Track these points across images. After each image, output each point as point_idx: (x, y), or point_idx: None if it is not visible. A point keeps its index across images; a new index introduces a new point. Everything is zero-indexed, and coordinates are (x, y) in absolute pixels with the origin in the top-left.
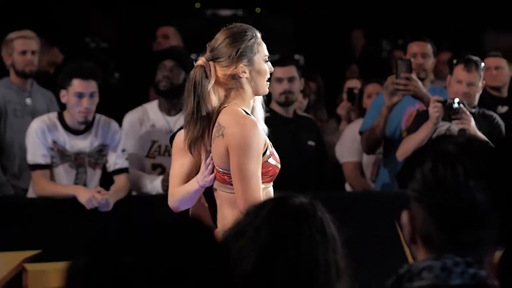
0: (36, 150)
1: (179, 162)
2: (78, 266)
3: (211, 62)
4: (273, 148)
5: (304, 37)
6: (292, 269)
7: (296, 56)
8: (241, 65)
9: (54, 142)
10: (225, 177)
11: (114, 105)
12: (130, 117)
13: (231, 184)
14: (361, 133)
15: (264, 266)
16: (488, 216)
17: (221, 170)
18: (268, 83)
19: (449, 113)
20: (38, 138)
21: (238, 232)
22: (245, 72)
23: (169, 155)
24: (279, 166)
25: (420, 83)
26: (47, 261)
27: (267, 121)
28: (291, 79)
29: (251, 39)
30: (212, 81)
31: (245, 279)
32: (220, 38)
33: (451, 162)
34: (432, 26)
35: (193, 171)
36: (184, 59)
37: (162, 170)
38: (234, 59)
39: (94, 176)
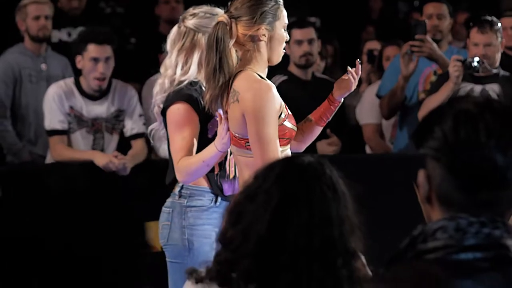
0: (53, 116)
1: (180, 136)
2: None
3: (232, 20)
4: (289, 111)
5: (321, 0)
6: (307, 228)
7: (312, 19)
8: (263, 27)
9: (71, 107)
10: (242, 141)
11: (130, 71)
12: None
13: (247, 148)
14: (379, 96)
15: (278, 227)
16: (509, 177)
17: (237, 135)
18: (284, 51)
19: (469, 71)
20: (55, 104)
21: (249, 196)
22: (265, 36)
23: None
24: (296, 129)
25: (435, 44)
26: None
27: (285, 83)
28: (310, 41)
29: (274, 4)
30: (234, 39)
31: (260, 242)
32: None
33: (472, 121)
34: None
35: (194, 143)
36: None
37: None
38: (256, 20)
39: (112, 141)
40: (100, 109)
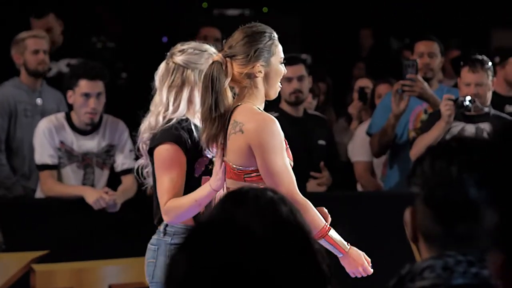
0: (43, 150)
1: (168, 177)
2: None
3: (228, 59)
4: (287, 146)
5: (311, 37)
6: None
7: (304, 56)
8: (258, 64)
9: (62, 142)
10: (241, 174)
11: (121, 105)
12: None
13: (245, 181)
14: (369, 134)
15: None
16: (483, 211)
17: (235, 166)
18: (280, 86)
19: (461, 110)
20: (45, 138)
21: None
22: (261, 72)
23: None
24: (292, 163)
25: (426, 84)
26: (54, 261)
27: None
28: (300, 78)
29: (269, 40)
30: (229, 78)
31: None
32: (238, 36)
33: (447, 156)
34: (441, 24)
35: (182, 185)
36: None
37: None
38: (252, 58)
39: (102, 176)
40: (90, 144)
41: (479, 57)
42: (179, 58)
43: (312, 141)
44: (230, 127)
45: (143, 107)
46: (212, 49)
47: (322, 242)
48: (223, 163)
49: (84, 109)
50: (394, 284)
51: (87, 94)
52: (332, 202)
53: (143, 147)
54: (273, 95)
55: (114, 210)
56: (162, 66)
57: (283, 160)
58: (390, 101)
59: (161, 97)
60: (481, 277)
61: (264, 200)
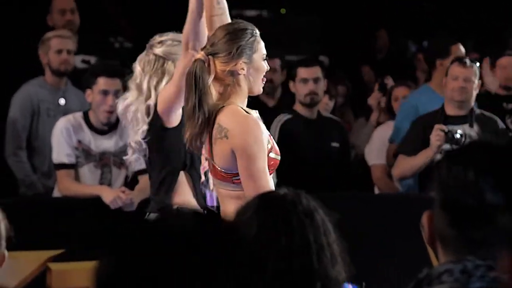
0: (61, 149)
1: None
2: (106, 267)
3: (210, 57)
4: (273, 140)
5: (329, 38)
6: (285, 254)
7: (321, 57)
8: (241, 62)
9: (79, 141)
10: (228, 176)
11: None
12: None
13: (234, 183)
14: (392, 141)
15: (257, 256)
16: (499, 215)
17: (223, 170)
18: (264, 82)
19: (451, 143)
20: (63, 138)
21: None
22: (243, 69)
23: None
24: (279, 157)
25: None
26: (70, 260)
27: (290, 122)
28: (316, 80)
29: (251, 37)
30: (212, 76)
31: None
32: (220, 34)
33: (464, 161)
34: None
35: None
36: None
37: None
38: (234, 56)
39: (119, 176)
40: (108, 144)
41: (470, 58)
42: (159, 50)
43: (325, 143)
44: (215, 131)
45: None
46: None
47: None
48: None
49: (102, 107)
50: None
51: (105, 91)
52: (348, 203)
53: (139, 137)
54: (257, 91)
55: (131, 209)
56: (141, 57)
57: (263, 164)
58: (411, 106)
59: (142, 87)
60: (499, 282)
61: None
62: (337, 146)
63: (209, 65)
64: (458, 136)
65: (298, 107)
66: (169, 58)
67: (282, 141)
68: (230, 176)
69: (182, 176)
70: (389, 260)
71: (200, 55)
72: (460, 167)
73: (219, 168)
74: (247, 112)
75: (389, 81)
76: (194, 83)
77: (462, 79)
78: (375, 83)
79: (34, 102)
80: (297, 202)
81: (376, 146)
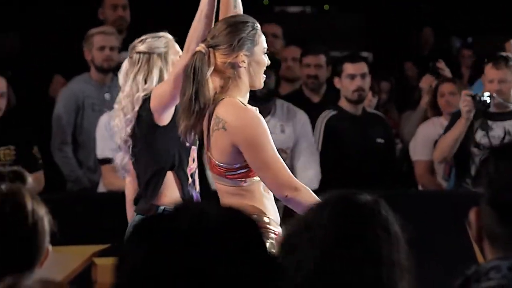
0: (104, 145)
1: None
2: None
3: (211, 49)
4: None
5: (372, 34)
6: (357, 266)
7: (365, 54)
8: (241, 54)
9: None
10: (222, 170)
11: None
12: None
13: (227, 178)
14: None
15: (329, 262)
16: None
17: (219, 163)
18: (264, 76)
19: (480, 106)
20: (107, 132)
21: (304, 228)
22: (244, 62)
23: None
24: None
25: None
26: (116, 255)
27: (335, 118)
28: (363, 76)
29: (252, 29)
30: (212, 68)
31: (310, 275)
32: (221, 27)
33: (510, 156)
34: (502, 23)
35: None
36: (276, 62)
37: None
38: (235, 48)
39: None
40: None
41: (504, 54)
42: (142, 47)
43: (370, 139)
44: (213, 122)
45: None
46: (168, 35)
47: None
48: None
49: None
50: (460, 284)
51: None
52: (391, 200)
53: (126, 132)
54: (258, 85)
55: None
56: (125, 63)
57: (272, 150)
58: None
59: (127, 87)
60: None
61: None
62: (382, 142)
63: (209, 57)
64: (485, 98)
65: (343, 103)
66: (153, 51)
67: (327, 137)
68: (224, 171)
69: (170, 176)
70: (433, 257)
71: (201, 47)
72: (508, 164)
73: (215, 162)
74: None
75: (441, 65)
76: (193, 74)
77: (497, 81)
78: (419, 79)
79: (79, 98)
80: (376, 213)
81: (420, 142)
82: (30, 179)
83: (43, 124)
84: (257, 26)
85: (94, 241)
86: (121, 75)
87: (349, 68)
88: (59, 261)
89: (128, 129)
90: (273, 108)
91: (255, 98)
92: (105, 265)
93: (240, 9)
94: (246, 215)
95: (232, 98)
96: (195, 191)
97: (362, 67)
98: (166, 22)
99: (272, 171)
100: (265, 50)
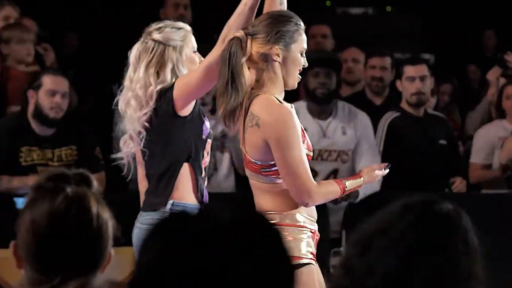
0: None
1: None
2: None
3: (249, 37)
4: (306, 135)
5: (434, 37)
6: (434, 277)
7: (426, 56)
8: (277, 47)
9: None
10: (257, 167)
11: None
12: None
13: (262, 174)
14: None
15: (406, 269)
16: None
17: (253, 160)
18: (300, 77)
19: None
20: None
21: (381, 231)
22: (278, 56)
23: (322, 159)
24: (311, 153)
25: None
26: None
27: (397, 120)
28: (422, 78)
29: (293, 26)
30: (246, 56)
31: (385, 279)
32: (264, 17)
33: None
34: None
35: None
36: (337, 63)
37: (314, 174)
38: (271, 39)
39: (223, 160)
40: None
41: None
42: (158, 36)
43: (432, 140)
44: (247, 118)
45: None
46: (187, 27)
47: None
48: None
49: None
50: None
51: None
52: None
53: (142, 125)
54: (292, 85)
55: None
56: (138, 44)
57: (299, 152)
58: None
59: (139, 74)
60: None
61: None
62: (445, 143)
63: (246, 44)
64: None
65: (404, 105)
66: (169, 43)
67: (389, 138)
68: (259, 168)
69: (185, 169)
70: (498, 260)
71: (239, 33)
72: None
73: (249, 158)
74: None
75: (510, 57)
76: (228, 59)
77: None
78: (481, 82)
79: None
80: (457, 224)
81: (478, 144)
82: (95, 182)
83: (105, 124)
84: (300, 24)
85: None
86: (132, 55)
87: (409, 70)
88: (120, 262)
89: (144, 121)
90: (334, 109)
91: (316, 99)
92: None
93: (285, 5)
94: (263, 217)
95: (267, 94)
96: (205, 186)
97: (422, 70)
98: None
99: (296, 173)
100: (304, 50)
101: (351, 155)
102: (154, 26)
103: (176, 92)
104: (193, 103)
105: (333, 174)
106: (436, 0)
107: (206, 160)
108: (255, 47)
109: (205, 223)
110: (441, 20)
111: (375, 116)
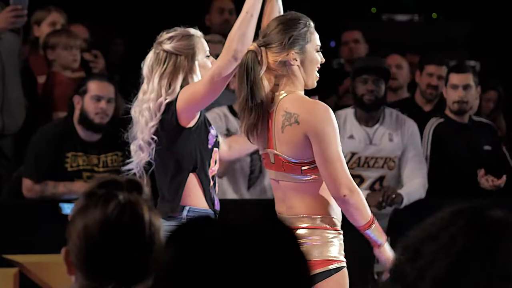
0: None
1: None
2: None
3: (262, 48)
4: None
5: (480, 43)
6: (483, 283)
7: (472, 63)
8: (293, 52)
9: (228, 130)
10: (296, 166)
11: None
12: None
13: (302, 172)
14: None
15: (457, 275)
16: None
17: (292, 160)
18: (318, 75)
19: None
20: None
21: (431, 236)
22: (296, 60)
23: (368, 166)
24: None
25: None
26: None
27: (441, 126)
28: (466, 87)
29: (304, 27)
30: (264, 67)
31: (435, 285)
32: (272, 25)
33: None
34: None
35: None
36: (386, 70)
37: (361, 181)
38: (286, 45)
39: None
40: None
41: None
42: (169, 46)
43: (477, 146)
44: (282, 118)
45: None
46: (198, 32)
47: (367, 231)
48: None
49: None
50: None
51: None
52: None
53: (150, 136)
54: (311, 84)
55: None
56: (150, 55)
57: (338, 147)
58: None
59: (153, 85)
60: None
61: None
62: (489, 149)
63: (261, 56)
64: None
65: (448, 112)
66: (181, 53)
67: (434, 144)
68: (299, 166)
69: (192, 179)
70: None
71: (253, 46)
72: None
73: (286, 158)
74: None
75: None
76: (246, 74)
77: None
78: None
79: None
80: (508, 230)
81: None
82: (146, 189)
83: None
84: (309, 24)
85: None
86: (145, 66)
87: (453, 78)
88: None
89: (152, 132)
90: (381, 116)
91: (364, 105)
92: None
93: (282, 12)
94: (283, 224)
95: (293, 93)
96: (215, 194)
97: (466, 78)
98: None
99: (334, 167)
100: (318, 48)
101: (397, 162)
102: (165, 35)
103: (179, 104)
104: (198, 114)
105: (379, 181)
106: (483, 6)
107: (213, 169)
108: (271, 57)
109: (224, 228)
110: (487, 26)
111: (422, 122)
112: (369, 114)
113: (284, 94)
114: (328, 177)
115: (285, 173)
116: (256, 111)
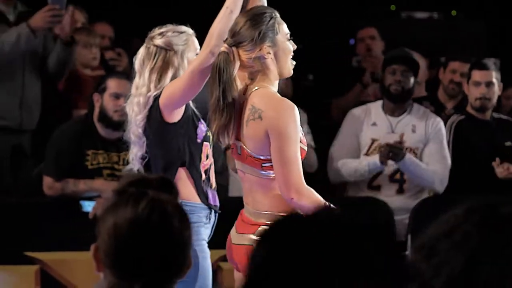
0: None
1: None
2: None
3: (234, 48)
4: (301, 130)
5: (499, 41)
6: (497, 280)
7: (492, 59)
8: (265, 46)
9: None
10: (257, 161)
11: (308, 105)
12: (353, 113)
13: (263, 169)
14: None
15: (471, 272)
16: None
17: (254, 154)
18: (294, 62)
19: None
20: None
21: (445, 233)
22: (270, 53)
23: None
24: (307, 148)
25: None
26: None
27: (463, 123)
28: (488, 84)
29: (270, 19)
30: (237, 67)
31: (450, 282)
32: (240, 22)
33: None
34: None
35: None
36: (415, 63)
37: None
38: (257, 41)
39: None
40: None
41: None
42: (160, 41)
43: (498, 143)
44: (248, 112)
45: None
46: (190, 30)
47: None
48: None
49: None
50: None
51: None
52: None
53: (138, 130)
54: (287, 73)
55: None
56: (142, 50)
57: (296, 149)
58: None
59: (145, 79)
60: None
61: None
62: (511, 145)
63: (233, 56)
64: None
65: (470, 109)
66: (171, 48)
67: (455, 141)
68: (260, 162)
69: (182, 173)
70: None
71: (224, 47)
72: None
73: (249, 152)
74: None
75: None
76: (218, 76)
77: None
78: None
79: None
80: None
81: None
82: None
83: None
84: (275, 15)
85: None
86: (137, 61)
87: (475, 75)
88: None
89: (140, 127)
90: (408, 109)
91: (390, 96)
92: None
93: (265, 3)
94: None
95: (265, 88)
96: (210, 188)
97: (489, 75)
98: None
99: (288, 169)
100: (288, 36)
101: (419, 155)
102: (156, 31)
103: (162, 101)
104: (183, 108)
105: (399, 171)
106: (502, 4)
107: (205, 163)
108: (244, 55)
109: (316, 225)
110: (507, 24)
111: (445, 120)
112: (396, 104)
113: (256, 88)
114: (281, 177)
115: (249, 166)
116: (228, 112)
